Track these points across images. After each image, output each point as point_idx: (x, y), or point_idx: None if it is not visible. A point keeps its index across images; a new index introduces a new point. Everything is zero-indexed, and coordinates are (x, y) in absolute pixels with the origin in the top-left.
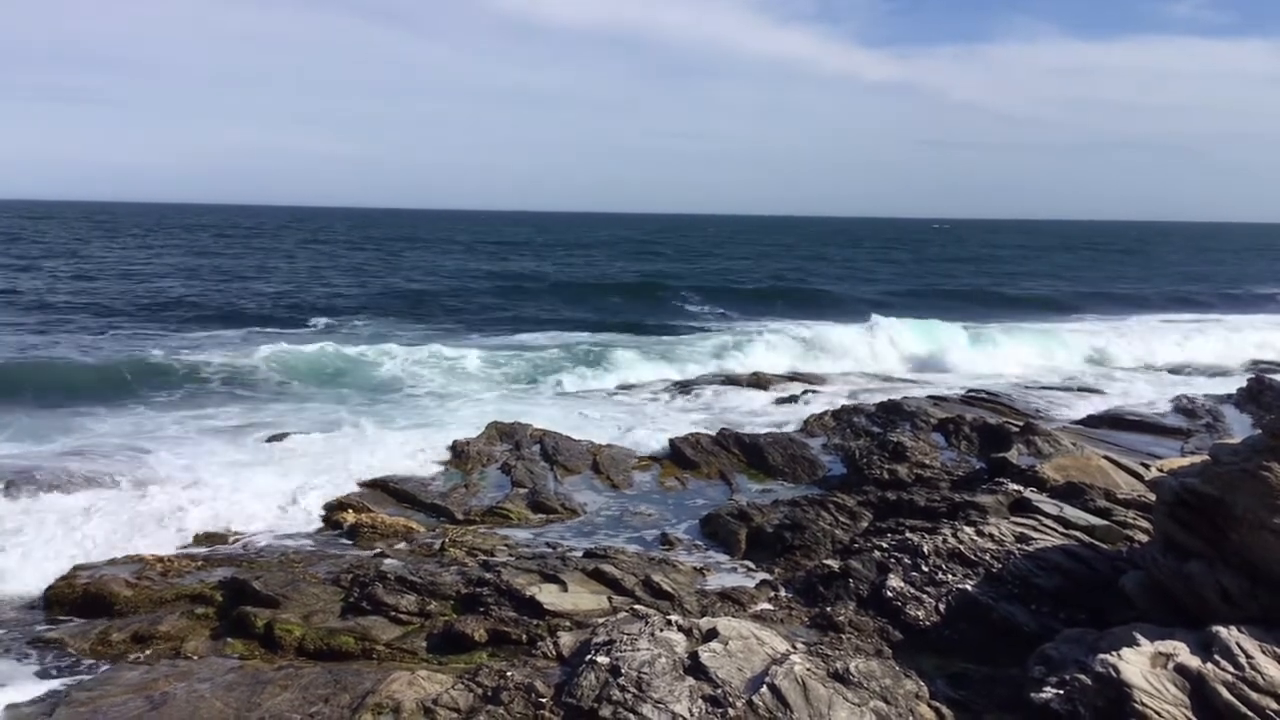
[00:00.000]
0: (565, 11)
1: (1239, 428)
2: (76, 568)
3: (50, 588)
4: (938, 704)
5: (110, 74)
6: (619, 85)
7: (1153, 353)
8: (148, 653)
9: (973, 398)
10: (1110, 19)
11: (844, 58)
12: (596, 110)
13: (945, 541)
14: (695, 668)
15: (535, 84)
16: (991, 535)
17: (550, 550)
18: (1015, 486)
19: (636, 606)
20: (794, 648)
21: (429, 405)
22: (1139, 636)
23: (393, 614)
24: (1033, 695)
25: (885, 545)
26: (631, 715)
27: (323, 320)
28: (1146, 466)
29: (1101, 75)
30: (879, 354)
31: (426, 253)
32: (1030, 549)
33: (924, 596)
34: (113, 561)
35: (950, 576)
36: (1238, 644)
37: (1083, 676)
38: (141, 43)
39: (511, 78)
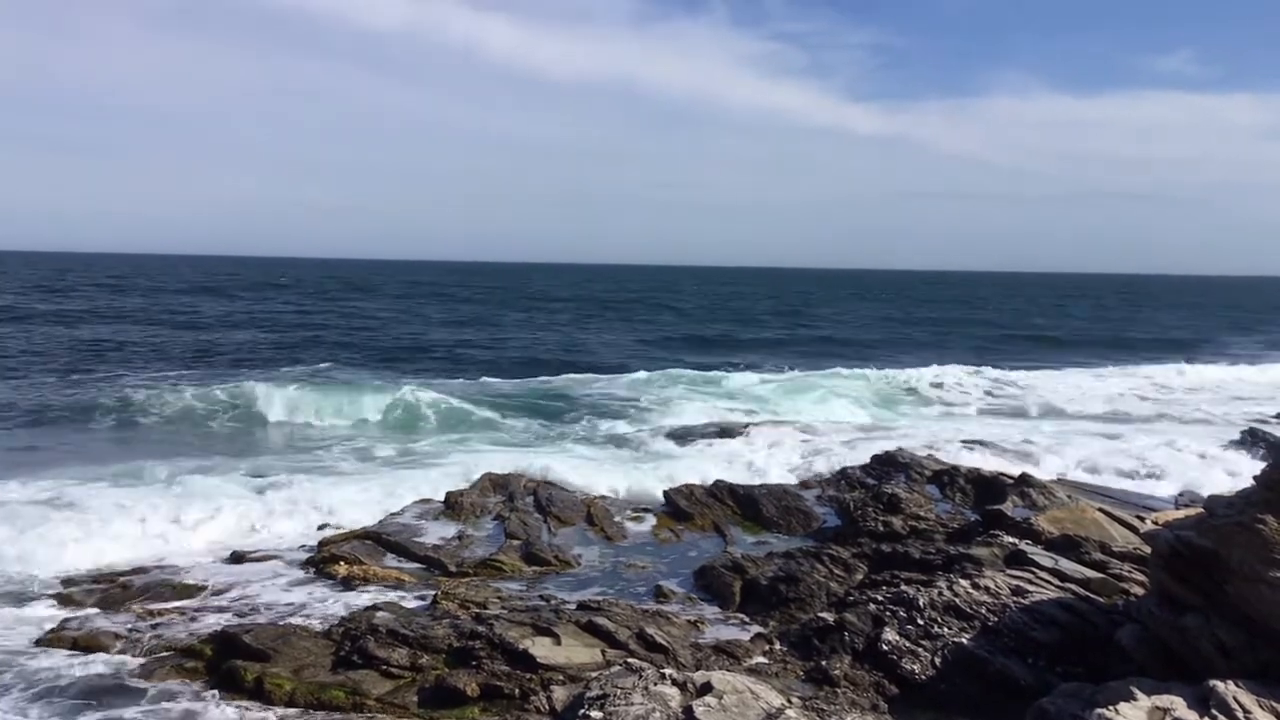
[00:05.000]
0: (558, 62)
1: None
2: (65, 621)
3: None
4: None
5: (102, 122)
6: (609, 135)
7: None
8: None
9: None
10: (1099, 74)
11: (834, 111)
12: (586, 160)
13: (941, 594)
14: None
15: (526, 134)
16: (987, 588)
17: (543, 603)
18: (1010, 539)
19: (630, 660)
20: (789, 702)
21: None
22: (1136, 691)
23: (384, 668)
24: None
25: (880, 598)
26: None
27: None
28: (1141, 519)
29: (1091, 129)
30: None
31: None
32: (1026, 602)
33: (920, 650)
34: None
35: (946, 630)
36: (1235, 698)
37: None
38: (135, 91)
39: (502, 127)
